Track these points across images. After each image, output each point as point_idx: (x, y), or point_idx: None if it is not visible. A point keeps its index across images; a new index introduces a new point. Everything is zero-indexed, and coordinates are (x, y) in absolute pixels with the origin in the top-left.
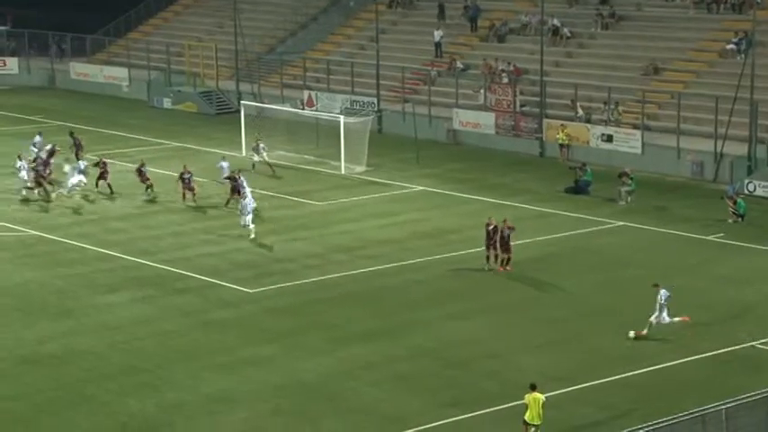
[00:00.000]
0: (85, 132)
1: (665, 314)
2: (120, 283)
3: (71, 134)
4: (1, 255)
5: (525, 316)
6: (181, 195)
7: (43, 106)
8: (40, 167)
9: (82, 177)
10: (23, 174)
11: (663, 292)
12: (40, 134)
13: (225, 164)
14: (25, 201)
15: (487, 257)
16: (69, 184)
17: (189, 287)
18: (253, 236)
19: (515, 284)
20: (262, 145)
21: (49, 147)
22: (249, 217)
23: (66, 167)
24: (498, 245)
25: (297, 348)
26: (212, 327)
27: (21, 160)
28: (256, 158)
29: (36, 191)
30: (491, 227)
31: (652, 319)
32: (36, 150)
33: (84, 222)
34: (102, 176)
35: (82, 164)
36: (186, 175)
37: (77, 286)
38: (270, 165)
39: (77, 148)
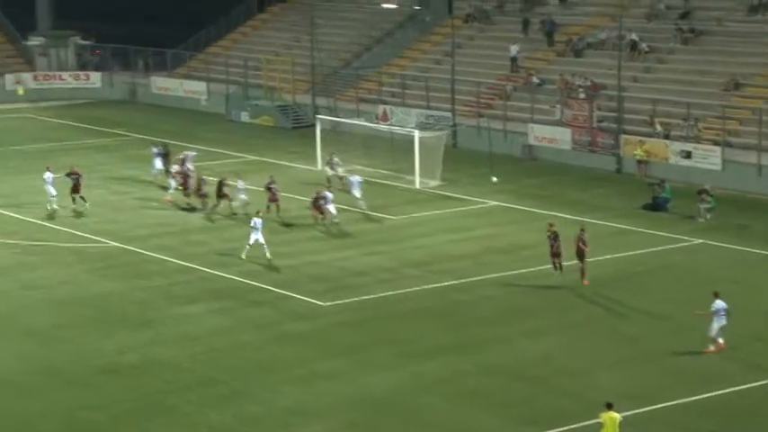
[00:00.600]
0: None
1: (714, 324)
2: (198, 295)
3: (163, 145)
4: (83, 266)
5: (601, 333)
6: (266, 207)
7: (124, 119)
8: (187, 179)
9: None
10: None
11: (717, 303)
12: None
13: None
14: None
15: (553, 264)
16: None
17: (264, 299)
18: (269, 256)
19: (591, 301)
20: (336, 159)
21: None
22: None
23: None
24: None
25: (369, 363)
26: (287, 339)
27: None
28: (330, 173)
29: (201, 204)
30: (552, 231)
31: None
32: (189, 168)
33: (165, 234)
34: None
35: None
36: (272, 186)
37: (157, 297)
38: (342, 179)
39: (165, 160)
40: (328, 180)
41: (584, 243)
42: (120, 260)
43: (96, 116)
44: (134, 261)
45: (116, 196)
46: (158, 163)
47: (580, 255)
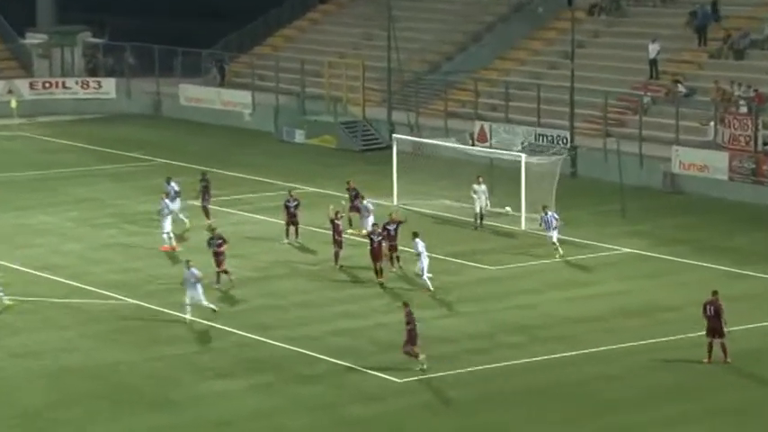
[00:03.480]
0: (195, 173)
1: None
2: (231, 367)
3: (203, 175)
4: (90, 328)
5: (762, 423)
6: (333, 254)
7: (145, 139)
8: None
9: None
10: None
11: None
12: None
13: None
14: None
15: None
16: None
17: (318, 373)
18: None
19: (748, 380)
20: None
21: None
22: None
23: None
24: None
25: None
26: (350, 427)
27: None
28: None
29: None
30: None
31: None
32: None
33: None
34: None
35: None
36: (390, 227)
37: (179, 370)
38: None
39: (204, 192)
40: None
41: (716, 313)
42: (133, 321)
43: (109, 135)
44: (151, 322)
45: (132, 238)
46: (173, 203)
47: (713, 329)
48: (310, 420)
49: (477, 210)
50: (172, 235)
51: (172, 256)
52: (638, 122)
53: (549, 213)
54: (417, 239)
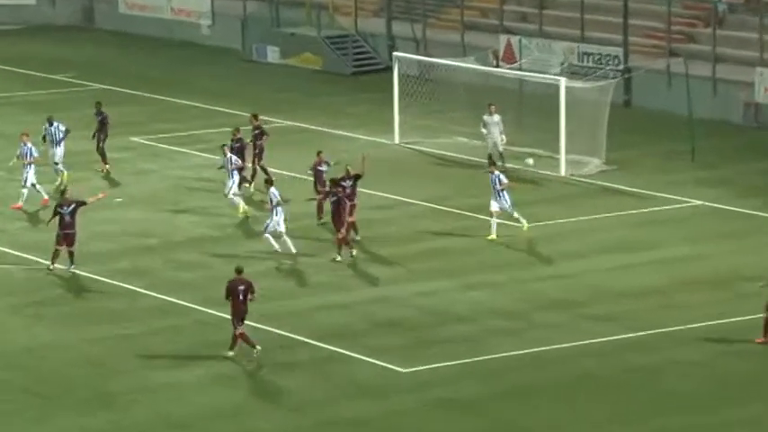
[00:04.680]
0: (140, 102)
1: None
2: (189, 351)
3: (98, 107)
4: (4, 301)
5: None
6: (316, 207)
7: (74, 58)
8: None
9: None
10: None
11: None
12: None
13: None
14: None
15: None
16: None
17: (300, 360)
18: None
19: None
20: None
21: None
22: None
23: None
24: None
25: None
26: (342, 428)
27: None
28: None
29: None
30: None
31: None
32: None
33: (136, 250)
34: None
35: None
36: (321, 167)
37: (122, 356)
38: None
39: (101, 129)
40: None
41: None
42: (62, 292)
43: (29, 52)
44: (87, 294)
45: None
46: (56, 147)
47: None
48: (288, 421)
49: (490, 148)
50: (40, 189)
51: (114, 208)
52: (710, 37)
53: (495, 173)
54: (273, 188)
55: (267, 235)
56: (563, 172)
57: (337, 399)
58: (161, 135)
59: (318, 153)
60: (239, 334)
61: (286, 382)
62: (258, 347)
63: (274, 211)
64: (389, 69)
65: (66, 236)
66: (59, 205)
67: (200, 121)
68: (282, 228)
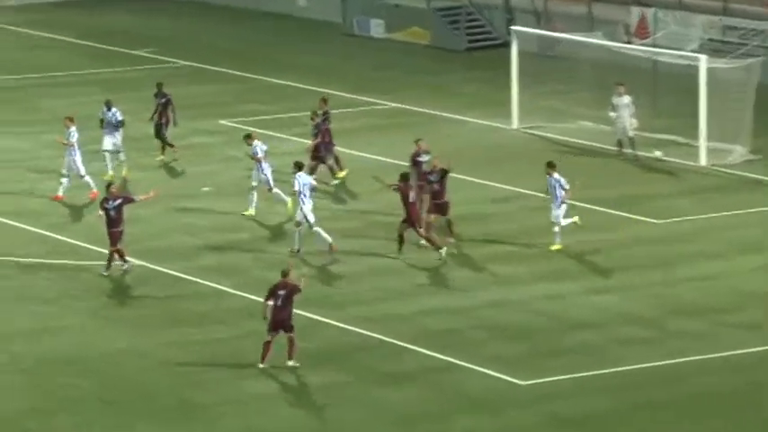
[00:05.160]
0: (227, 80)
1: None
2: (282, 358)
3: (159, 87)
4: (80, 301)
5: None
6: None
7: (153, 32)
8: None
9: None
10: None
11: None
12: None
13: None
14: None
15: None
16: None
17: (408, 369)
18: None
19: None
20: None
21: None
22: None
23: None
24: None
25: None
26: None
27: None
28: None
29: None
30: None
31: None
32: None
33: (224, 246)
34: None
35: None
36: (421, 158)
37: (209, 362)
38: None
39: (163, 112)
40: None
41: None
42: (141, 289)
43: (104, 25)
44: (170, 294)
45: (141, 173)
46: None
47: None
48: None
49: (619, 133)
50: (89, 180)
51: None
52: None
53: (555, 176)
54: (300, 173)
55: (317, 229)
56: (703, 161)
57: (448, 413)
58: (251, 118)
59: (417, 141)
60: (267, 343)
61: (391, 394)
62: (295, 362)
63: (301, 200)
64: (507, 45)
65: (112, 234)
66: (105, 199)
67: (295, 102)
68: (312, 218)
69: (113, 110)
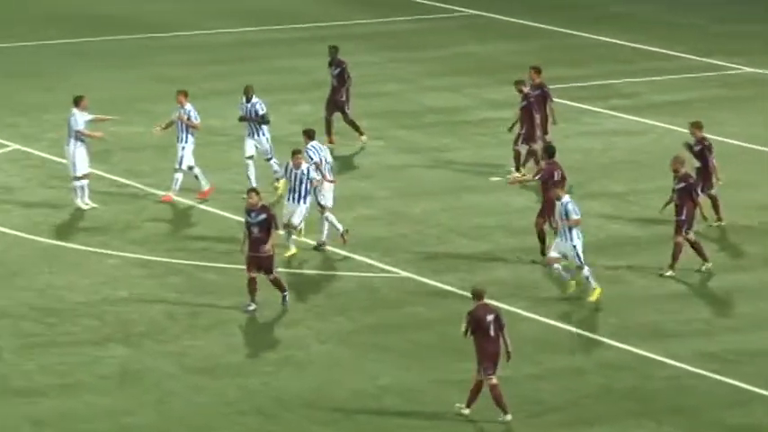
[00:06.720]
0: (526, 35)
1: None
2: (596, 408)
3: (332, 53)
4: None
5: None
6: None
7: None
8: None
9: None
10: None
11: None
12: None
13: None
14: None
15: None
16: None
17: (754, 423)
18: None
19: None
20: None
21: None
22: None
23: None
24: None
25: None
26: None
27: None
28: None
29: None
30: None
31: None
32: None
33: (520, 254)
34: None
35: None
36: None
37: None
38: None
39: (339, 86)
40: None
41: None
42: (406, 311)
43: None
44: (445, 315)
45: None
46: (256, 136)
47: None
48: None
49: None
50: (199, 174)
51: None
52: None
53: (565, 200)
54: (313, 143)
55: (329, 214)
56: None
57: None
58: (555, 86)
59: (693, 125)
60: (478, 384)
61: None
62: (507, 416)
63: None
64: None
65: (256, 260)
66: (247, 211)
67: (613, 66)
68: (330, 202)
69: (254, 100)
